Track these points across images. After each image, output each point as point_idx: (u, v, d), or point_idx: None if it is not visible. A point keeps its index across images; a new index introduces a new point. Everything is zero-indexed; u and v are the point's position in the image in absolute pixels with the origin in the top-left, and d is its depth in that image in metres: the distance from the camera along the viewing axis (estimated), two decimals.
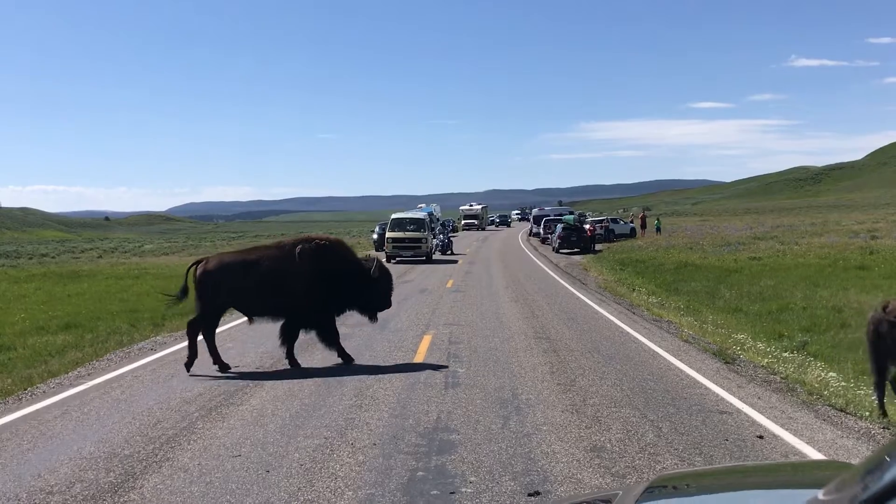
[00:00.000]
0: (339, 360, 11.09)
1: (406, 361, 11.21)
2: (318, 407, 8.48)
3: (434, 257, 37.18)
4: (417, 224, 35.78)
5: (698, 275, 24.67)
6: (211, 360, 10.60)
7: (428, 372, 10.30)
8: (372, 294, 11.42)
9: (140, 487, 6.00)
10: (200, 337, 10.76)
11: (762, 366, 10.62)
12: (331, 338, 11.26)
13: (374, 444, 6.97)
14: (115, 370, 11.00)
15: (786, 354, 11.30)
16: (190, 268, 11.31)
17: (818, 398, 8.65)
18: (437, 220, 60.16)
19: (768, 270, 25.08)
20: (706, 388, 9.13)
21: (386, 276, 11.56)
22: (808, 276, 22.42)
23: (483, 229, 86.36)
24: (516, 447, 6.80)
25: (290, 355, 11.01)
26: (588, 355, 11.42)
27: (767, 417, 7.73)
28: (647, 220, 59.82)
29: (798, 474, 2.37)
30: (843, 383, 9.20)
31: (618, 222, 56.25)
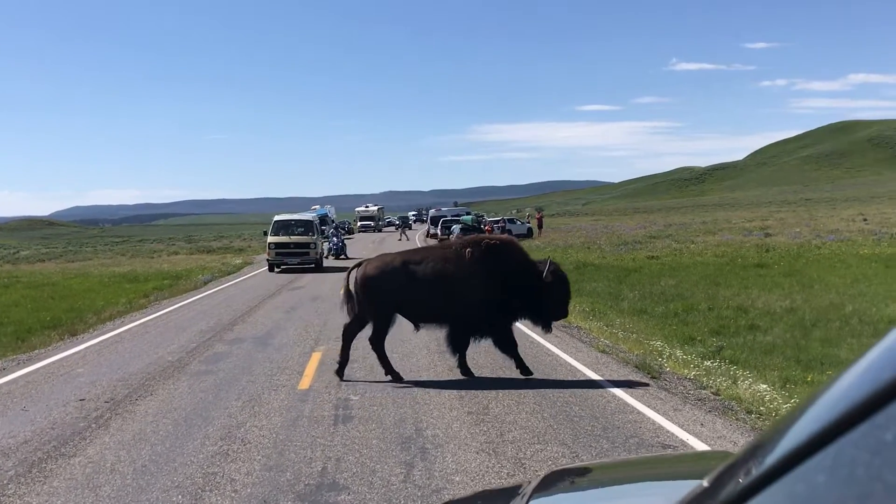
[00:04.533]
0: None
1: (290, 386, 9.57)
2: (173, 457, 6.75)
3: (327, 262, 33.89)
4: (305, 227, 32.19)
5: (598, 275, 23.95)
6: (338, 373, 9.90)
7: (314, 401, 8.71)
8: (546, 300, 10.06)
9: None
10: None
11: (689, 378, 9.58)
12: (509, 346, 10.08)
13: None
14: None
15: (708, 363, 10.35)
16: (350, 271, 10.38)
17: (761, 418, 7.61)
18: (332, 221, 58.04)
19: (668, 269, 24.66)
20: (639, 412, 7.88)
21: (561, 281, 10.20)
22: (708, 275, 22.03)
23: (380, 230, 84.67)
24: None
25: (462, 364, 10.12)
26: (500, 373, 10.09)
27: None
28: (543, 220, 59.63)
29: (685, 465, 2.42)
30: (779, 399, 8.21)
31: (514, 222, 55.65)
